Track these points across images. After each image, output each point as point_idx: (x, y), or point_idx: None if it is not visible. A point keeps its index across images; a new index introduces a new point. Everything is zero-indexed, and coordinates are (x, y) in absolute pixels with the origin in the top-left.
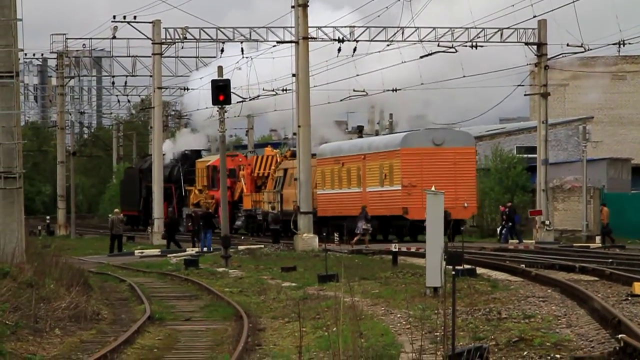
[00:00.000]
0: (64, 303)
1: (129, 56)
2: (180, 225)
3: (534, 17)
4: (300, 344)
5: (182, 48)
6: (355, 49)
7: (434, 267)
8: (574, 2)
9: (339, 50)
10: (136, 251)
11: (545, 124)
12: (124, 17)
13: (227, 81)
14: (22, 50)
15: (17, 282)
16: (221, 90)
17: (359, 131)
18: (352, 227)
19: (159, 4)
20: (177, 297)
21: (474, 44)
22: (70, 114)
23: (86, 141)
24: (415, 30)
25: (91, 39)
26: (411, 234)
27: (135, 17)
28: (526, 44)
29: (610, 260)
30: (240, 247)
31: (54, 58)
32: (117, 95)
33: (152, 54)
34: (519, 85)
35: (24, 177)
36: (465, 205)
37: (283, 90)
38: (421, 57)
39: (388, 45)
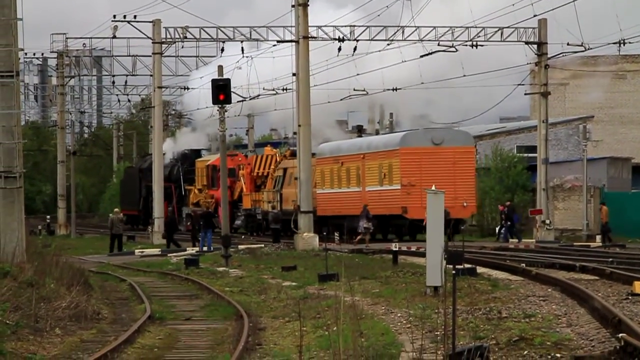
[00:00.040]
0: (65, 302)
1: (129, 55)
2: (180, 225)
3: (534, 16)
4: (301, 343)
5: (182, 47)
6: (355, 48)
7: (435, 266)
8: (574, 1)
9: (339, 49)
10: (136, 251)
11: (546, 123)
12: (124, 17)
13: (228, 80)
14: (22, 49)
15: (18, 281)
16: (221, 90)
17: (358, 131)
18: (352, 226)
19: (159, 3)
20: (177, 296)
21: (474, 43)
22: (71, 114)
23: (86, 141)
24: (416, 29)
25: (91, 38)
26: (410, 233)
27: (135, 17)
28: (526, 43)
29: (610, 259)
30: (241, 247)
31: (54, 57)
32: (117, 95)
33: (153, 53)
34: (519, 85)
35: (24, 176)
36: (465, 204)
37: (283, 89)
38: (421, 56)
39: (388, 44)
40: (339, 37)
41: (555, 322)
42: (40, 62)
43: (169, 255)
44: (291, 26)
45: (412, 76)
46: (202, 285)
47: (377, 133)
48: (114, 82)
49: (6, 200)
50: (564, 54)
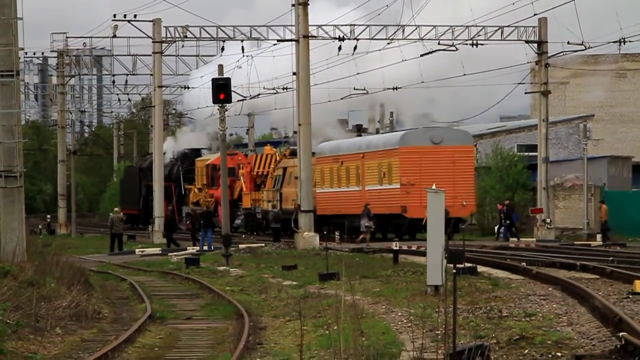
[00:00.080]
0: (65, 302)
1: (130, 55)
2: (180, 224)
3: (535, 15)
4: (301, 342)
5: (183, 47)
6: (355, 47)
7: (435, 265)
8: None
9: (340, 48)
10: (137, 250)
11: (546, 122)
12: (125, 16)
13: (228, 80)
14: (22, 49)
15: (18, 281)
16: (222, 89)
17: (358, 130)
18: (352, 225)
19: (160, 2)
20: (178, 295)
21: (475, 42)
22: (71, 113)
23: (87, 140)
24: (416, 28)
25: (91, 37)
26: (410, 232)
27: (135, 16)
28: (527, 42)
29: (611, 258)
30: (241, 246)
31: (55, 57)
32: (117, 94)
33: (153, 52)
34: (519, 84)
35: (24, 176)
36: (464, 203)
37: (284, 88)
38: (422, 55)
39: (389, 43)
40: (339, 36)
41: (555, 321)
42: (41, 62)
43: (169, 254)
44: (291, 25)
45: (412, 75)
46: (202, 285)
47: (377, 132)
48: (114, 82)
49: (6, 199)
50: (564, 53)
